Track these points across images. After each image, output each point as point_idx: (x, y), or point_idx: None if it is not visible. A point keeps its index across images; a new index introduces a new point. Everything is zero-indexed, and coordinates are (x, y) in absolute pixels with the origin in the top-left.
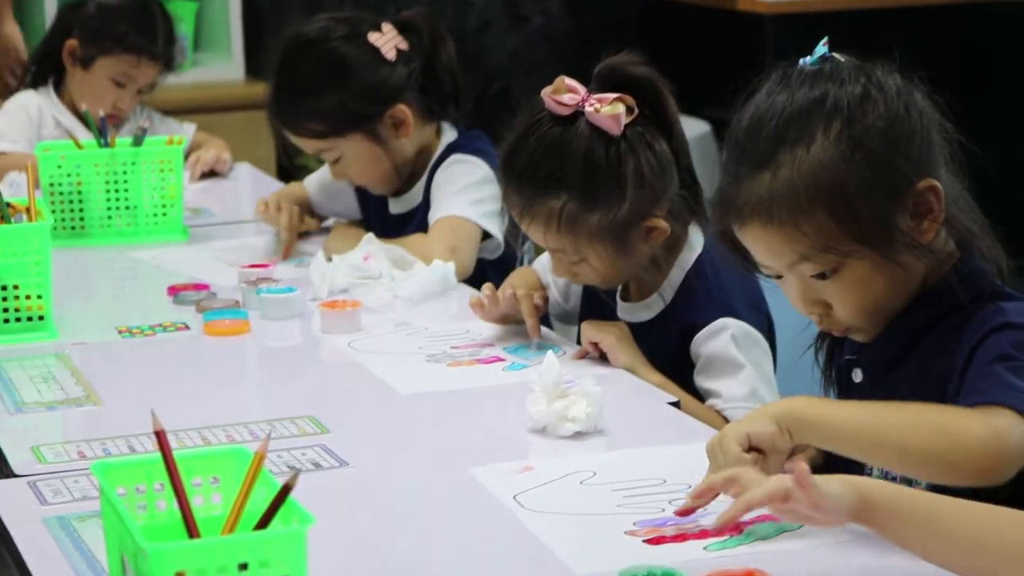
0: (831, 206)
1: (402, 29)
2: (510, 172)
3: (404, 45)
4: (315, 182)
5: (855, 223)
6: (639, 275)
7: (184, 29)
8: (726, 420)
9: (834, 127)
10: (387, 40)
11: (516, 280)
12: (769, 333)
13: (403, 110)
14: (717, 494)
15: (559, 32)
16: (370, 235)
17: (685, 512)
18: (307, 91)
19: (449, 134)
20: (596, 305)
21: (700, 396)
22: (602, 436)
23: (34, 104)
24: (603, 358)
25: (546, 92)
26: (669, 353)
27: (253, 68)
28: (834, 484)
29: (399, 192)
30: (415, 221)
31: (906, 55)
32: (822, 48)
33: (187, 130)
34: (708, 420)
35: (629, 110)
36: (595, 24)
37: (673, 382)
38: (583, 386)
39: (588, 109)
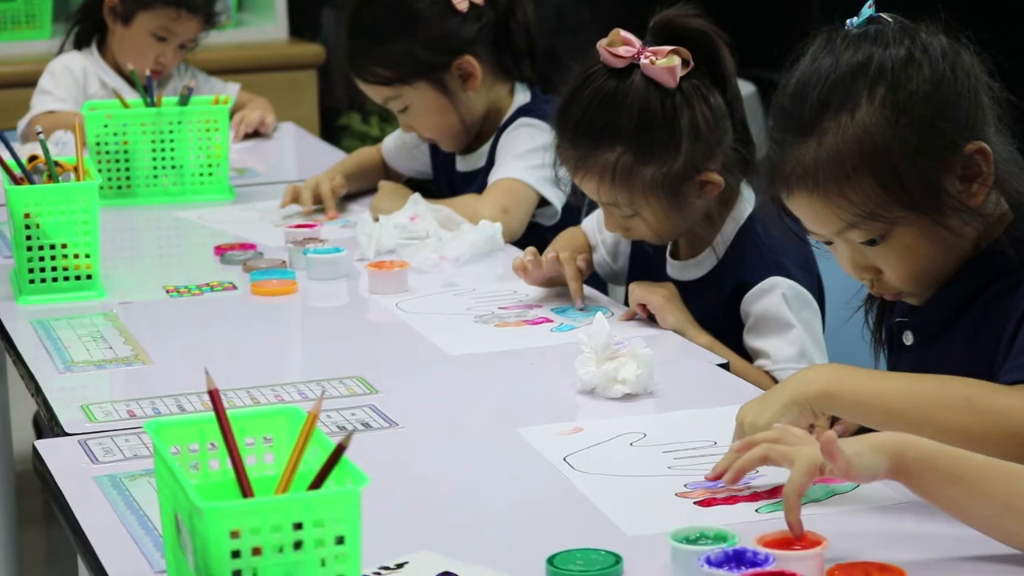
0: (877, 173)
1: None
2: (564, 125)
3: (477, 0)
4: (392, 140)
5: (902, 189)
6: (692, 230)
7: None
8: (775, 381)
9: (878, 92)
10: None
11: (562, 242)
12: (819, 293)
13: (471, 62)
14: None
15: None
16: (416, 195)
17: (716, 478)
18: (376, 37)
19: (521, 96)
20: (644, 265)
21: (749, 356)
22: (651, 398)
23: (79, 64)
24: (651, 319)
25: (601, 44)
26: (719, 312)
27: (297, 28)
28: (866, 451)
29: (467, 150)
30: (479, 180)
31: (955, 12)
32: (868, 10)
33: (231, 90)
34: (756, 381)
35: (684, 63)
36: None
37: (721, 342)
38: (633, 348)
39: (643, 62)
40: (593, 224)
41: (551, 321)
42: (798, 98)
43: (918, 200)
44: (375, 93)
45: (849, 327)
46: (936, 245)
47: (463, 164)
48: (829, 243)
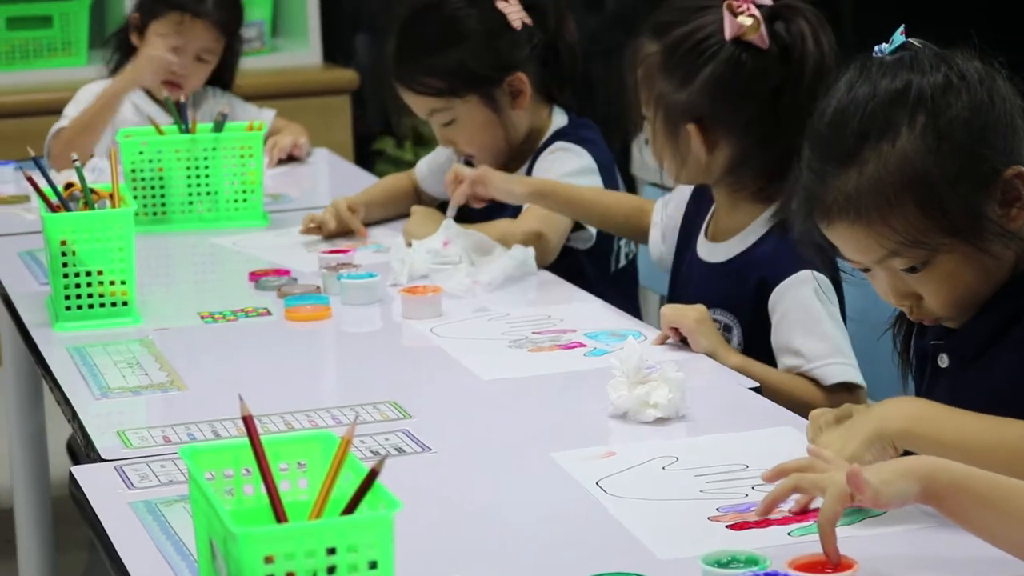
0: (919, 200)
1: (527, 6)
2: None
3: (528, 20)
4: (426, 163)
5: (944, 216)
6: (720, 209)
7: (262, 15)
8: (813, 382)
9: (918, 120)
10: (514, 10)
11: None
12: (836, 286)
13: (522, 79)
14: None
15: (636, 16)
16: (449, 220)
17: (764, 515)
18: (429, 48)
19: (559, 119)
20: (683, 244)
21: (773, 354)
22: (683, 422)
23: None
24: (683, 342)
25: None
26: (745, 303)
27: (331, 54)
28: (895, 477)
29: (502, 170)
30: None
31: (986, 35)
32: (899, 37)
33: (266, 116)
34: (791, 391)
35: (754, 28)
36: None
37: (750, 354)
38: (664, 372)
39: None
40: (659, 206)
41: (584, 346)
42: (837, 127)
43: (960, 226)
44: (421, 104)
45: (878, 347)
46: (977, 270)
47: None
48: (866, 271)
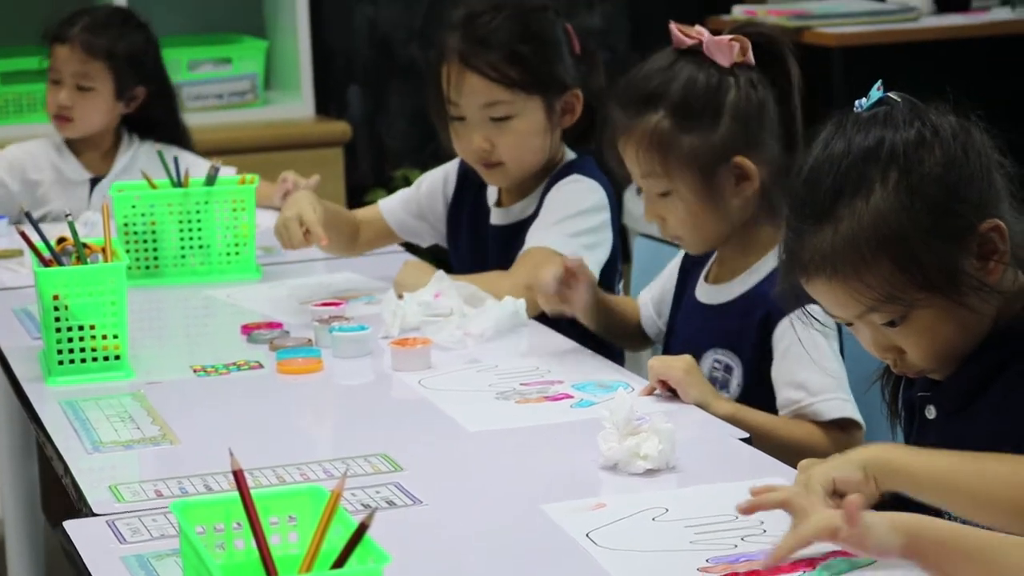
0: (894, 257)
1: None
2: (619, 94)
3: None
4: (398, 201)
5: (919, 271)
6: (727, 251)
7: (255, 67)
8: (812, 422)
9: (891, 176)
10: (574, 35)
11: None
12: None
13: (578, 97)
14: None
15: (626, 69)
16: (440, 272)
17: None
18: (515, 38)
19: (568, 154)
20: (681, 290)
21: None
22: (674, 472)
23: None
24: (672, 392)
25: (674, 24)
26: (747, 340)
27: (323, 106)
28: (882, 527)
29: (507, 200)
30: (518, 237)
31: (970, 85)
32: (876, 92)
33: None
34: (787, 436)
35: (743, 53)
36: None
37: (751, 393)
38: (654, 423)
39: (704, 40)
40: (645, 292)
41: (572, 397)
42: (812, 184)
43: (936, 281)
44: (484, 92)
45: (866, 399)
46: (956, 324)
47: (501, 217)
48: (850, 324)
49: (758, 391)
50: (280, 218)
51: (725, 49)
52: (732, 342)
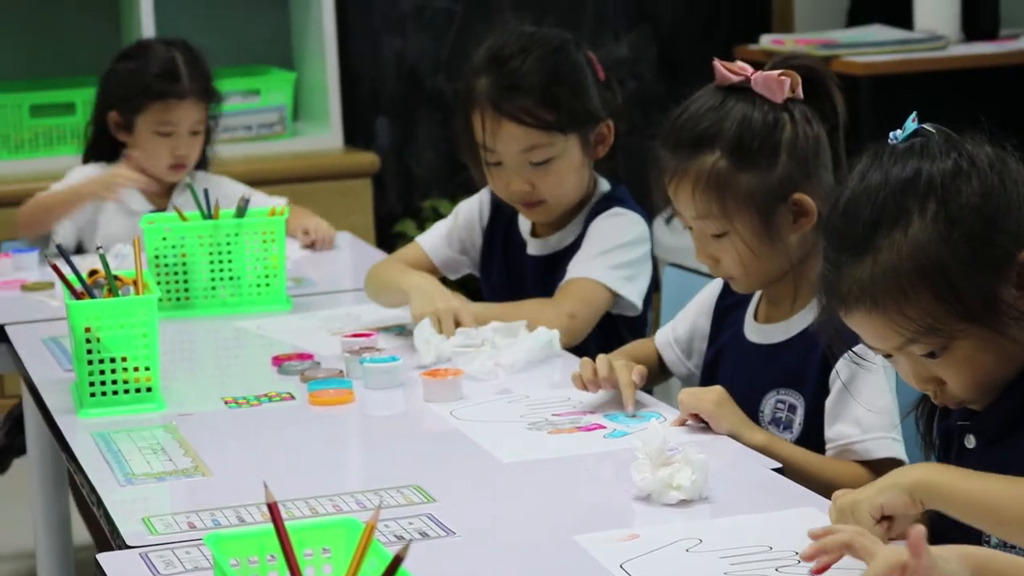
0: (933, 288)
1: None
2: (668, 136)
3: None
4: (440, 237)
5: (959, 302)
6: (779, 286)
7: (283, 99)
8: (859, 461)
9: (929, 207)
10: (597, 62)
11: (623, 350)
12: None
13: (610, 127)
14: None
15: (653, 97)
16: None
17: (810, 559)
18: (546, 81)
19: (603, 184)
20: (730, 330)
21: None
22: (707, 503)
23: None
24: (704, 424)
25: (718, 61)
26: (810, 378)
27: (351, 137)
28: (952, 561)
29: (545, 231)
30: (558, 268)
31: (999, 114)
32: (911, 124)
33: (278, 203)
34: (819, 471)
35: (792, 88)
36: (689, 89)
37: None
38: (687, 454)
39: (753, 77)
40: (667, 329)
41: (604, 427)
42: (850, 216)
43: (975, 311)
44: (523, 139)
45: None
46: (996, 354)
47: (539, 247)
48: (889, 356)
49: (821, 427)
50: (438, 310)
51: (776, 85)
52: (794, 381)
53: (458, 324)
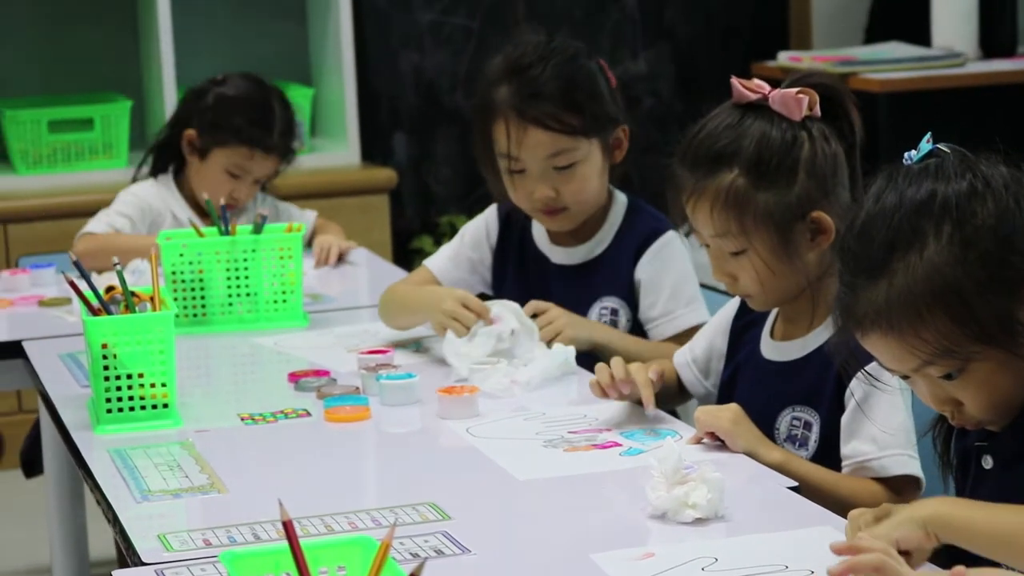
0: (949, 310)
1: None
2: (685, 154)
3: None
4: (447, 259)
5: (975, 324)
6: (797, 302)
7: (301, 115)
8: (874, 478)
9: (945, 229)
10: (607, 70)
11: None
12: None
13: (626, 131)
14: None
15: (671, 114)
16: (494, 302)
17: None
18: (569, 87)
19: (618, 193)
20: (746, 351)
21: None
22: (722, 522)
23: (151, 194)
24: (720, 442)
25: (735, 79)
26: (826, 394)
27: (368, 153)
28: None
29: (565, 242)
30: (590, 276)
31: (1016, 132)
32: (926, 145)
33: (308, 217)
34: (834, 489)
35: (810, 106)
36: (707, 106)
37: (830, 448)
38: (703, 472)
39: (771, 95)
40: (685, 349)
41: (620, 445)
42: (865, 239)
43: (992, 333)
44: (548, 144)
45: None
46: (1014, 375)
47: (565, 257)
48: (906, 377)
49: (837, 445)
50: (446, 310)
51: (794, 103)
52: (810, 398)
53: (467, 308)
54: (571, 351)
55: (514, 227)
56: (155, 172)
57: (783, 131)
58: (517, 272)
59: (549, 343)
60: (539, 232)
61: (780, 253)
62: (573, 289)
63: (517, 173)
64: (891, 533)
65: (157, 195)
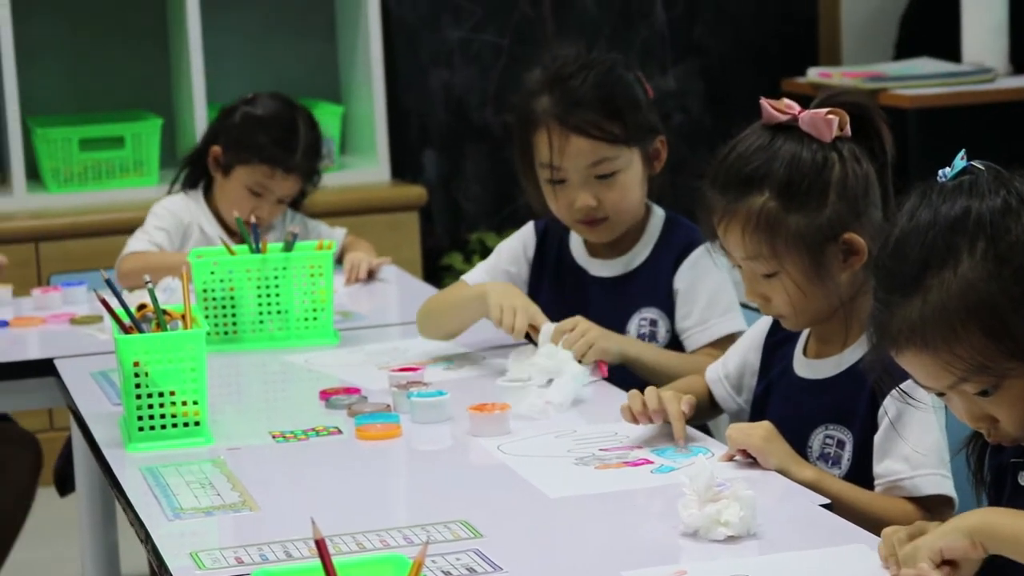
0: (984, 327)
1: None
2: (716, 175)
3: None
4: (485, 275)
5: (1010, 341)
6: (829, 322)
7: (330, 132)
8: (906, 498)
9: (979, 246)
10: (644, 81)
11: (674, 384)
12: None
13: (664, 142)
14: None
15: (700, 130)
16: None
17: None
18: (613, 96)
19: (656, 207)
20: (779, 369)
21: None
22: (755, 540)
23: (183, 208)
24: (752, 459)
25: (764, 99)
26: (860, 413)
27: (399, 170)
28: None
29: (604, 254)
30: (629, 288)
31: None
32: (960, 162)
33: (337, 235)
34: (867, 507)
35: (840, 126)
36: (736, 123)
37: (864, 468)
38: (735, 490)
39: (801, 116)
40: (717, 365)
41: (651, 462)
42: (899, 256)
43: None
44: (590, 152)
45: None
46: None
47: (606, 269)
48: (942, 395)
49: (869, 463)
50: (507, 305)
51: (823, 124)
52: (843, 416)
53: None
54: (586, 370)
55: (551, 241)
56: (185, 187)
57: (813, 152)
58: (554, 285)
59: (581, 358)
60: (577, 245)
61: (812, 275)
62: (612, 301)
63: (558, 183)
64: (936, 543)
65: (186, 208)
